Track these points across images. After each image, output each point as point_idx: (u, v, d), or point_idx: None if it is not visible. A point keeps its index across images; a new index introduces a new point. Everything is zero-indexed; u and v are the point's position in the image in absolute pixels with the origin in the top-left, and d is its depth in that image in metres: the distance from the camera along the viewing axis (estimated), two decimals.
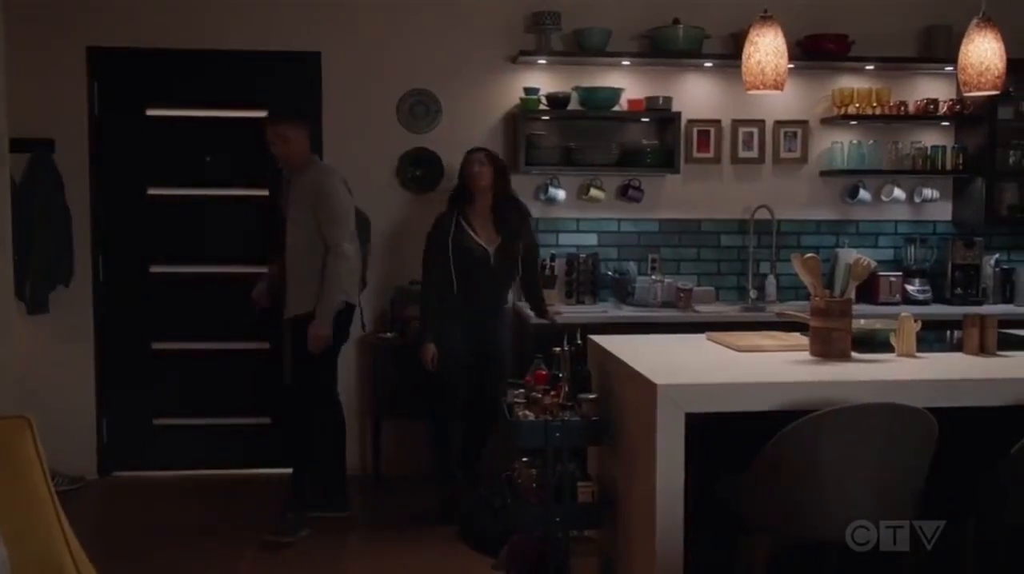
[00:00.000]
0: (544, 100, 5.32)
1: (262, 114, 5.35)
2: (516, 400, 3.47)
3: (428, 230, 4.78)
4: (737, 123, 5.59)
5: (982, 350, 3.31)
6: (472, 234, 4.66)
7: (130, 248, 5.41)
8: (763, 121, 5.60)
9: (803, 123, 5.63)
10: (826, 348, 3.20)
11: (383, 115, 5.40)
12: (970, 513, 2.95)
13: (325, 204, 4.50)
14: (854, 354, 3.22)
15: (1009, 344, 3.51)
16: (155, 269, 5.43)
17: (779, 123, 5.62)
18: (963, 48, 3.57)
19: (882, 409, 2.67)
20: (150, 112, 5.37)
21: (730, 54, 5.29)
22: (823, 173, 5.65)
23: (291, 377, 4.73)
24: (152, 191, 5.40)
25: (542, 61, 5.38)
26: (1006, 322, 3.99)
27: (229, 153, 5.44)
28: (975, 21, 3.56)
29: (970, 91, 3.62)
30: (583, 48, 5.36)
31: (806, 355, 3.25)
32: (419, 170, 5.46)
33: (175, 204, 5.42)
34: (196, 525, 4.69)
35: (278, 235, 4.65)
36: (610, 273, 5.45)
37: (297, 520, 4.52)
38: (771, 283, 5.46)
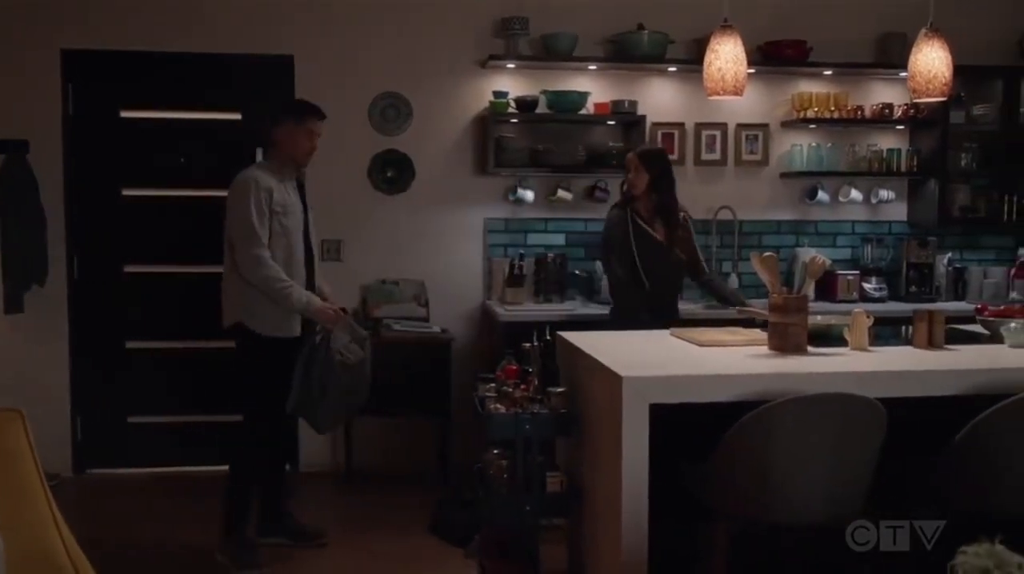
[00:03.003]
0: (513, 103, 5.44)
1: (235, 116, 5.50)
2: (487, 394, 3.60)
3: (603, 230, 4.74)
4: (700, 126, 5.74)
5: (931, 344, 3.48)
6: (649, 230, 4.61)
7: (105, 248, 5.47)
8: (725, 124, 5.76)
9: (764, 126, 5.80)
10: (783, 342, 3.35)
11: (355, 117, 5.49)
12: (917, 497, 3.11)
13: None
14: (810, 348, 3.37)
15: (958, 338, 3.69)
16: (130, 269, 5.49)
17: (741, 126, 5.77)
18: (912, 57, 3.74)
19: (833, 399, 2.83)
20: (124, 114, 5.44)
21: (693, 59, 5.42)
22: (783, 175, 5.82)
23: None
24: (127, 192, 5.46)
25: (511, 65, 5.50)
26: (958, 318, 4.19)
27: (203, 154, 5.51)
28: (923, 31, 3.73)
29: (919, 98, 3.80)
30: (550, 53, 5.48)
31: (765, 349, 3.40)
32: (390, 171, 5.56)
33: (149, 205, 5.48)
34: (171, 522, 4.76)
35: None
36: (577, 272, 5.58)
37: None
38: (734, 281, 5.60)
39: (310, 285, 4.28)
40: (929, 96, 3.74)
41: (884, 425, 2.86)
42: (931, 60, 3.67)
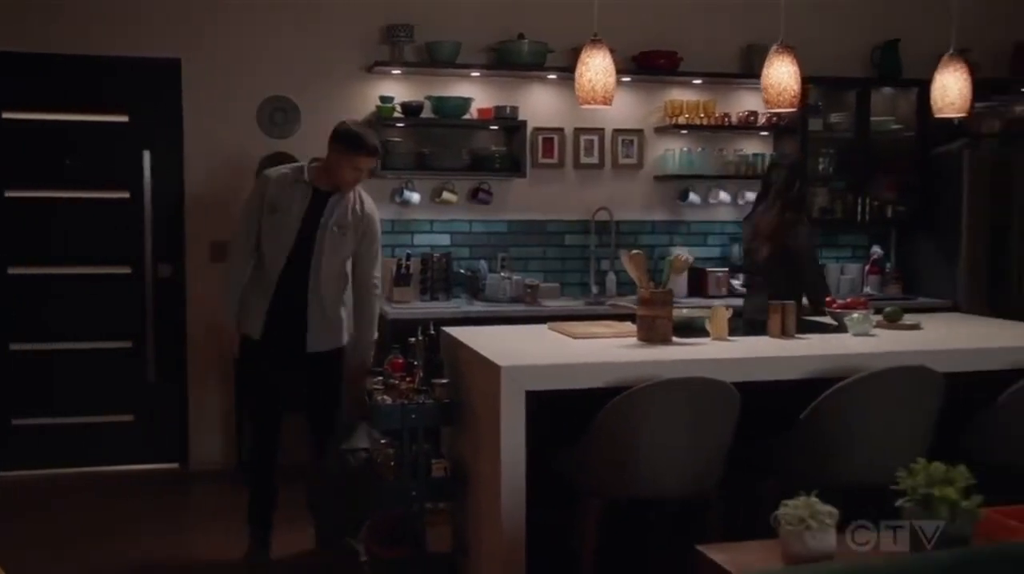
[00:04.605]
0: (399, 108, 5.60)
1: (123, 118, 5.51)
2: (375, 386, 3.78)
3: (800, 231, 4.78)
4: (579, 131, 5.99)
5: (783, 333, 3.80)
6: None
7: None
8: (602, 129, 6.02)
9: (639, 132, 6.09)
10: (650, 334, 3.62)
11: (243, 121, 5.54)
12: (771, 472, 3.41)
13: (377, 239, 4.25)
14: (675, 339, 3.65)
15: (809, 328, 4.02)
16: (13, 271, 5.45)
17: (617, 131, 6.05)
18: (765, 71, 4.06)
19: (691, 383, 3.10)
20: (7, 115, 5.40)
21: (571, 67, 5.62)
22: (657, 178, 6.12)
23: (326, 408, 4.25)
24: (9, 194, 5.42)
25: (396, 71, 5.66)
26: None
27: (89, 156, 5.51)
28: (774, 47, 4.06)
29: (772, 108, 4.13)
30: (435, 59, 5.66)
31: (634, 340, 3.67)
32: None
33: (34, 206, 5.45)
34: (57, 524, 4.76)
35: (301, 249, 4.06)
36: (462, 271, 5.76)
37: None
38: (611, 279, 5.89)
39: (294, 304, 4.07)
40: (780, 107, 4.06)
41: (738, 406, 3.15)
42: (781, 74, 3.99)
